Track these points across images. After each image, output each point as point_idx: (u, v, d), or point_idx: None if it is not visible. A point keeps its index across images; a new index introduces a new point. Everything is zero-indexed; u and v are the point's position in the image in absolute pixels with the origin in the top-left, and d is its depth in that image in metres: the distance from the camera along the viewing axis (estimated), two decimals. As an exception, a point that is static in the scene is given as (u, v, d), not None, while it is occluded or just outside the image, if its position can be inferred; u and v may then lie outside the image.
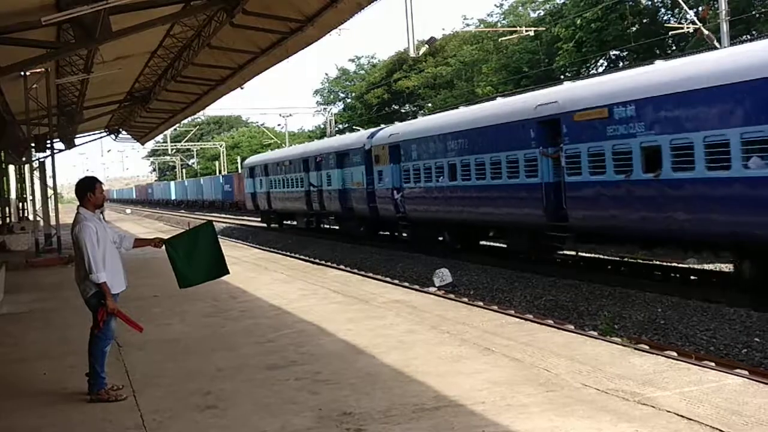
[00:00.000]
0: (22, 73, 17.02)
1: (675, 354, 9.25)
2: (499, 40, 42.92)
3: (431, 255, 20.80)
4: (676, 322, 11.79)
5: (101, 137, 36.43)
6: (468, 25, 56.86)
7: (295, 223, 34.97)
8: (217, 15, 14.08)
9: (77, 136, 30.90)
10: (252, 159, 43.17)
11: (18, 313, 11.68)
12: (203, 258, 6.83)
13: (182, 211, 64.91)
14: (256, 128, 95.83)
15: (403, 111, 62.04)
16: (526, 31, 36.47)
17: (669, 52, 36.60)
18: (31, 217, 26.98)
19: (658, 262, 16.15)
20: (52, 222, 22.75)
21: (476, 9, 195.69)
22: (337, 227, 30.12)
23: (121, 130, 36.23)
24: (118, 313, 6.38)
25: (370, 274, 17.66)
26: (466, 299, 14.20)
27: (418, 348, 7.61)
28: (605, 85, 15.01)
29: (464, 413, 5.47)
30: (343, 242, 27.37)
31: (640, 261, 16.38)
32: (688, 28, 29.74)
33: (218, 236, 7.34)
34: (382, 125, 27.91)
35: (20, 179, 31.00)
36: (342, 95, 76.51)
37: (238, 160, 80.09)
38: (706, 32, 26.37)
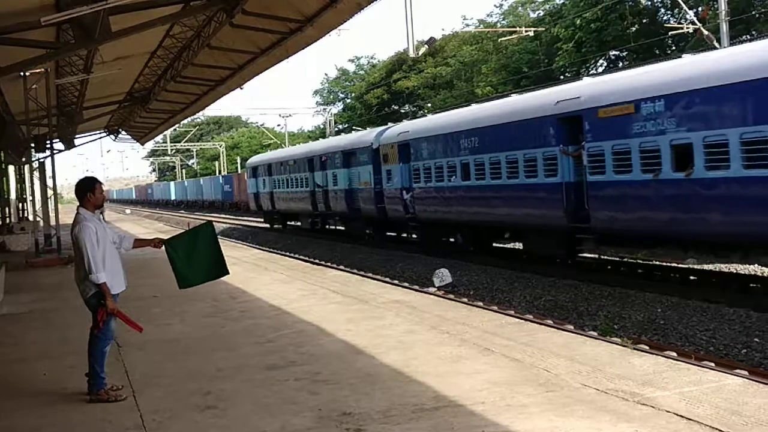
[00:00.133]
0: (22, 74, 17.00)
1: (675, 354, 9.25)
2: (499, 40, 42.91)
3: (431, 255, 20.78)
4: (676, 323, 11.80)
5: (101, 137, 36.43)
6: (468, 25, 56.91)
7: (299, 224, 34.39)
8: (217, 15, 14.08)
9: (77, 136, 30.88)
10: (255, 158, 42.66)
11: (18, 314, 11.69)
12: (203, 258, 6.83)
13: (182, 211, 64.93)
14: (255, 128, 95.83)
15: (402, 111, 62.02)
16: (526, 31, 36.44)
17: (669, 52, 36.58)
18: (30, 218, 26.97)
19: (657, 263, 16.12)
20: (52, 222, 22.75)
21: (476, 9, 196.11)
22: (342, 228, 29.60)
23: (120, 130, 36.22)
24: (118, 313, 6.39)
25: (370, 275, 17.66)
26: (465, 299, 14.19)
27: (417, 348, 7.61)
28: (632, 80, 14.36)
29: (464, 413, 5.48)
30: (343, 242, 27.36)
31: (640, 261, 16.35)
32: (687, 28, 29.75)
33: (218, 236, 7.34)
34: (390, 124, 27.28)
35: (20, 179, 30.98)
36: (342, 95, 76.50)
37: (238, 161, 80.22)
38: (705, 32, 26.37)
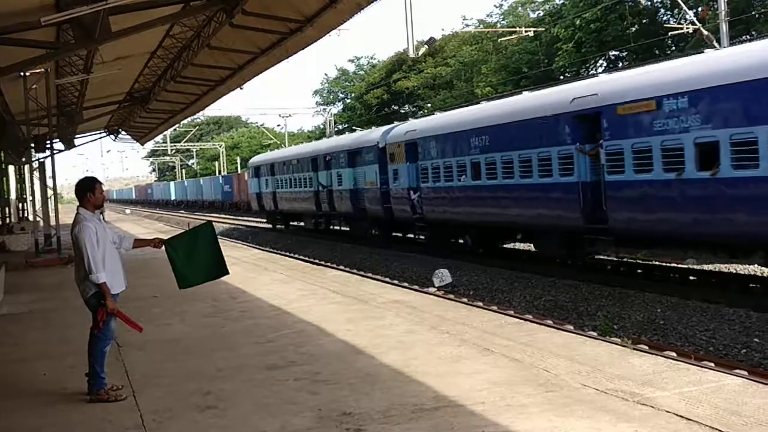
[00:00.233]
0: (22, 74, 17.00)
1: (674, 354, 9.25)
2: (499, 40, 42.94)
3: (430, 255, 20.78)
4: (676, 323, 11.80)
5: (101, 137, 36.42)
6: (467, 25, 56.97)
7: (303, 224, 33.96)
8: (217, 15, 14.08)
9: (77, 136, 30.89)
10: (257, 158, 42.16)
11: (18, 314, 11.69)
12: (203, 258, 6.83)
13: (182, 211, 64.93)
14: (255, 129, 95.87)
15: (402, 111, 62.04)
16: (526, 31, 36.45)
17: (668, 52, 36.63)
18: (30, 218, 26.98)
19: (657, 263, 16.12)
20: (52, 222, 22.76)
21: (476, 9, 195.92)
22: (347, 228, 29.19)
23: (120, 130, 36.22)
24: (118, 313, 6.39)
25: (370, 275, 17.65)
26: (465, 299, 14.19)
27: (417, 348, 7.62)
28: (653, 76, 13.81)
29: (464, 413, 5.48)
30: (343, 242, 27.34)
31: (639, 261, 16.35)
32: (687, 28, 29.76)
33: (218, 237, 7.35)
34: (396, 123, 26.82)
35: (20, 179, 30.98)
36: (341, 96, 76.49)
37: (238, 161, 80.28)
38: (705, 33, 26.37)
